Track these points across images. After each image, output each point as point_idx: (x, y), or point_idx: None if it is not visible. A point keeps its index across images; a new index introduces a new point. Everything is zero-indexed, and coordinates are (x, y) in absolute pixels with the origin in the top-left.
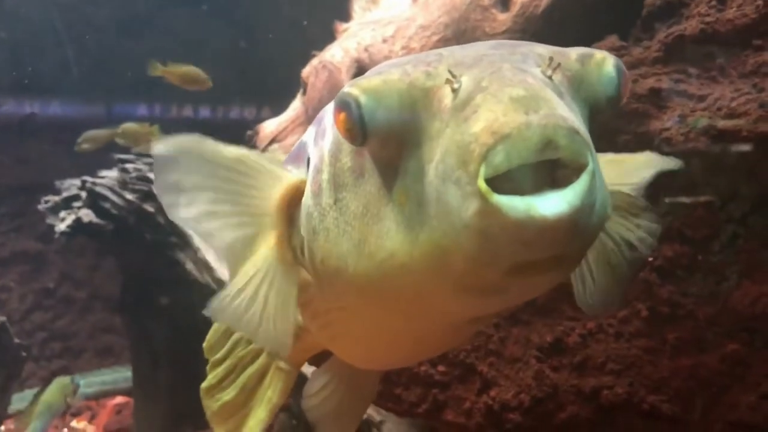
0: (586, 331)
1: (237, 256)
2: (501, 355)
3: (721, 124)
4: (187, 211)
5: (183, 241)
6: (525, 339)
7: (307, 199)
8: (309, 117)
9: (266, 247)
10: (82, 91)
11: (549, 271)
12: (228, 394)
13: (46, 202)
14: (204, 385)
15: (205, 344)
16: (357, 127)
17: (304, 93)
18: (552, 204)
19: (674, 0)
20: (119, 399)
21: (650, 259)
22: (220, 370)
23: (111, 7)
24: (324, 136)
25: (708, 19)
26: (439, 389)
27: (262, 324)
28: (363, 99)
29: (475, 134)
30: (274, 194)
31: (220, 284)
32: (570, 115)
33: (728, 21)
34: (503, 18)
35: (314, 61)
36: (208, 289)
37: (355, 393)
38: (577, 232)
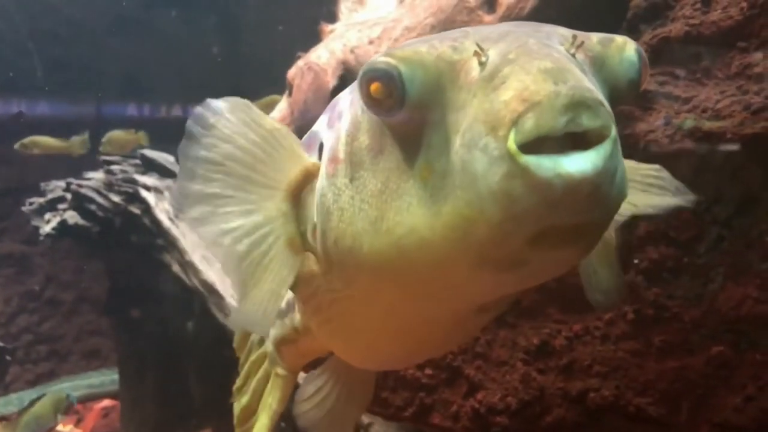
0: (572, 333)
1: (235, 230)
2: (488, 358)
3: (707, 126)
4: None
5: (169, 243)
6: (512, 342)
7: (321, 180)
8: (294, 119)
9: (271, 226)
10: (68, 92)
11: (569, 244)
12: (244, 398)
13: (31, 204)
14: (235, 385)
15: (234, 343)
16: (396, 95)
17: (290, 94)
18: (577, 163)
19: (659, 2)
20: (106, 402)
21: (635, 261)
22: (243, 373)
23: (98, 7)
24: (340, 118)
25: (693, 21)
26: (425, 392)
27: (251, 302)
28: (402, 67)
29: (505, 101)
30: (290, 174)
31: (207, 286)
32: (595, 88)
33: (713, 23)
34: (489, 19)
35: (300, 63)
36: (194, 291)
37: (348, 398)
38: (600, 196)
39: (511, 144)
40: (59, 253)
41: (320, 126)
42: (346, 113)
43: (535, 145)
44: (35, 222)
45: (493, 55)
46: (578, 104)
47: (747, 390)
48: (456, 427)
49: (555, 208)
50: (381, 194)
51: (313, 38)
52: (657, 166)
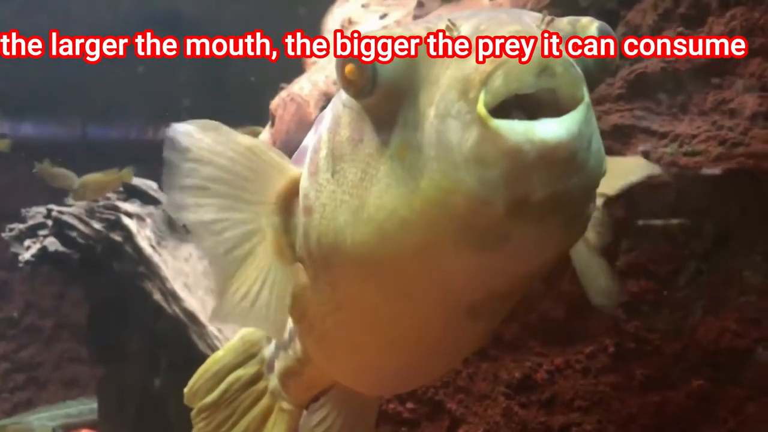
0: (553, 367)
1: (232, 251)
2: (470, 391)
3: (683, 161)
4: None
5: (151, 271)
6: (493, 375)
7: (304, 181)
8: (277, 149)
9: (264, 241)
10: (52, 115)
11: (550, 217)
12: None
13: (11, 230)
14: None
15: (186, 390)
16: (368, 76)
17: (273, 125)
18: (550, 128)
19: (636, 36)
20: (84, 431)
21: None
22: (217, 416)
23: (83, 30)
24: (322, 121)
25: (668, 57)
26: (407, 427)
27: (261, 314)
28: None
29: (475, 65)
30: (277, 186)
31: (188, 315)
32: (565, 53)
33: (687, 60)
34: None
35: (282, 94)
36: (176, 320)
37: (352, 428)
38: (577, 163)
39: (481, 107)
40: (39, 279)
41: (309, 138)
42: (328, 114)
43: (508, 109)
44: (15, 249)
45: (465, 28)
46: (547, 61)
47: (728, 424)
48: None
49: (529, 175)
50: (361, 182)
51: (298, 67)
52: (636, 157)
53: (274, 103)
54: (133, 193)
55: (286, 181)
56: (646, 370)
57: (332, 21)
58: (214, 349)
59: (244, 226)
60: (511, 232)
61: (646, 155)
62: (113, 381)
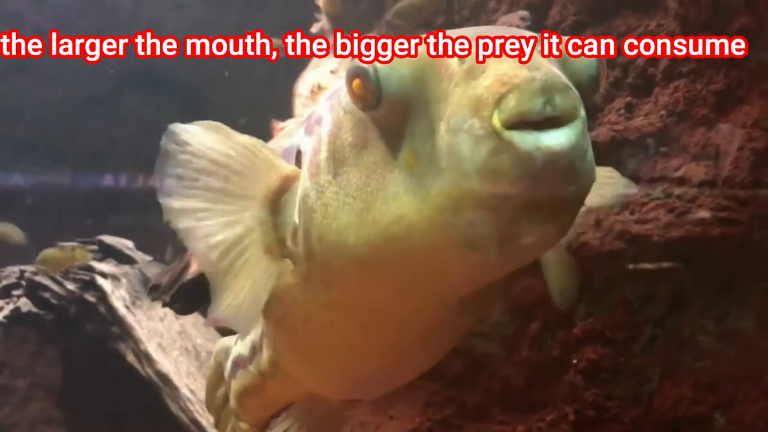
0: None
1: (219, 243)
2: None
3: (634, 228)
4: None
5: (125, 332)
6: None
7: (303, 182)
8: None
9: (251, 235)
10: (36, 170)
11: (549, 221)
12: None
13: None
14: None
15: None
16: (372, 91)
17: None
18: (555, 137)
19: (588, 104)
20: None
21: (574, 361)
22: None
23: (68, 86)
24: (320, 123)
25: (617, 126)
26: None
27: (234, 303)
28: (379, 65)
29: (487, 86)
30: (268, 182)
31: (161, 377)
32: (563, 76)
33: (636, 129)
34: None
35: None
36: (148, 382)
37: None
38: (575, 170)
39: (496, 121)
40: (15, 337)
41: (297, 138)
42: (327, 117)
43: (516, 126)
44: None
45: (467, 33)
46: (551, 87)
47: None
48: None
49: (536, 181)
50: (366, 186)
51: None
52: (609, 168)
53: None
54: (108, 252)
55: (276, 177)
56: None
57: (303, 86)
58: (186, 411)
59: (231, 217)
60: (515, 236)
61: (598, 223)
62: None
